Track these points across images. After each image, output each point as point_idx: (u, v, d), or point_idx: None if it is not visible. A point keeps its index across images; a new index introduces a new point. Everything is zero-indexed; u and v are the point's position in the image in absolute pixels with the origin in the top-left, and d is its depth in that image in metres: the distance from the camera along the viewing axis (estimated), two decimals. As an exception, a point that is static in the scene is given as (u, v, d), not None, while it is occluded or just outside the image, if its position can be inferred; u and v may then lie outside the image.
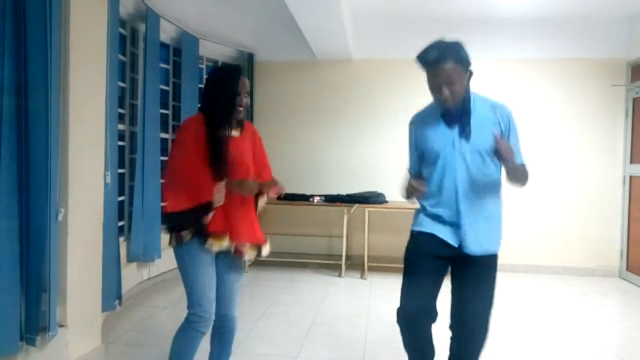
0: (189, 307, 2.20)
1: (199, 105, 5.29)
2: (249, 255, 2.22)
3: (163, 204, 2.27)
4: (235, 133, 2.28)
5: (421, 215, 2.14)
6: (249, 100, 2.31)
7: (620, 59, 5.35)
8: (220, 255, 2.22)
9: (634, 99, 5.25)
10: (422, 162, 2.17)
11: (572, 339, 3.45)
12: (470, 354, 2.16)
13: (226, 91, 2.20)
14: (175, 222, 2.16)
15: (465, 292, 2.11)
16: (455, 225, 2.04)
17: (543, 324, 3.76)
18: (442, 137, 2.04)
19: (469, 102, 2.03)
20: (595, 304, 4.37)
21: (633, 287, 4.98)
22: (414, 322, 2.16)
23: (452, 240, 2.05)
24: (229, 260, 2.26)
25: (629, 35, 5.28)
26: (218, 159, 2.14)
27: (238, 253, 2.19)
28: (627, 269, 5.27)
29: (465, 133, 2.01)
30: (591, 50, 5.38)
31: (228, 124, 2.23)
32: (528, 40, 5.40)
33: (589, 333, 3.58)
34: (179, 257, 2.20)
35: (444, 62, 1.93)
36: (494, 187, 2.12)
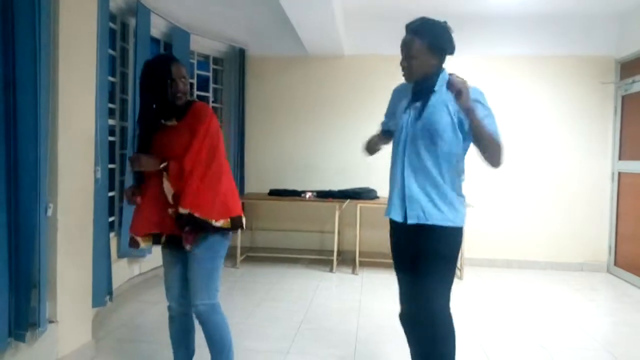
0: None
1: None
2: (142, 245, 2.27)
3: None
4: (169, 122, 2.27)
5: (390, 198, 2.22)
6: (187, 86, 2.24)
7: (610, 57, 5.39)
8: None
9: (623, 97, 5.30)
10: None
11: (561, 333, 3.49)
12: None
13: (155, 79, 2.18)
14: None
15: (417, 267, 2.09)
16: (402, 200, 2.11)
17: (532, 318, 3.80)
18: (404, 113, 2.13)
19: (434, 82, 2.05)
20: (584, 298, 4.42)
21: (621, 282, 5.04)
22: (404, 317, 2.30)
23: (399, 218, 2.11)
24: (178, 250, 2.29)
25: (619, 32, 5.33)
26: (139, 151, 2.27)
27: (133, 244, 2.27)
28: (615, 264, 5.34)
29: (417, 110, 2.07)
30: (580, 47, 5.42)
31: (158, 113, 2.26)
32: (518, 37, 5.43)
33: (577, 327, 3.62)
34: None
35: (408, 35, 2.05)
36: (447, 167, 2.07)
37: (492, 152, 1.98)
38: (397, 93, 2.29)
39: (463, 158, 2.14)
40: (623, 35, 5.27)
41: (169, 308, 2.40)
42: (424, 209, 2.05)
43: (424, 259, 2.05)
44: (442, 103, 2.02)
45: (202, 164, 2.15)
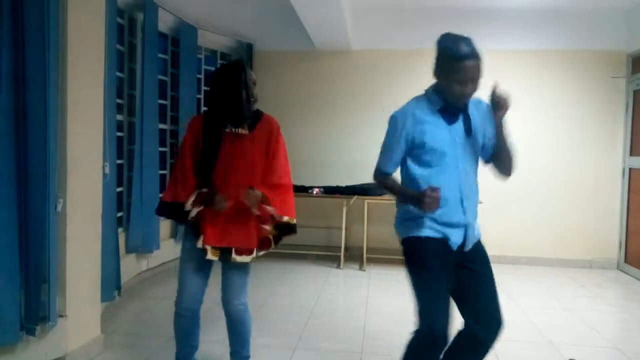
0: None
1: (198, 97, 5.27)
2: (210, 255, 2.26)
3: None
4: (241, 130, 2.24)
5: (425, 220, 1.96)
6: (256, 92, 2.29)
7: (621, 51, 5.32)
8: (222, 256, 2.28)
9: (634, 91, 5.24)
10: (406, 161, 2.06)
11: (570, 331, 3.46)
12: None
13: (229, 85, 2.17)
14: (159, 211, 2.37)
15: (479, 284, 2.03)
16: (461, 227, 1.97)
17: (541, 315, 3.78)
18: (445, 134, 1.96)
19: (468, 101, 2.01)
20: (593, 295, 4.39)
21: (631, 279, 5.00)
22: (443, 343, 1.95)
23: (459, 242, 1.98)
24: (226, 260, 2.30)
25: (630, 26, 5.26)
26: (205, 159, 2.20)
27: (203, 252, 2.25)
28: (625, 261, 5.29)
29: (467, 131, 1.98)
30: (591, 42, 5.36)
31: (231, 120, 2.21)
32: (527, 31, 5.37)
33: (587, 325, 3.59)
34: (182, 245, 2.40)
35: (476, 58, 1.87)
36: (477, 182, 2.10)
37: (510, 164, 2.03)
38: (413, 120, 1.99)
39: None
40: (635, 29, 5.20)
41: (180, 306, 2.38)
42: (477, 230, 2.04)
43: (483, 267, 2.03)
44: (477, 121, 2.01)
45: (289, 174, 2.39)
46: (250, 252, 2.28)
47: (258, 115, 2.32)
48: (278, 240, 2.42)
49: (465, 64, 1.85)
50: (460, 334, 2.05)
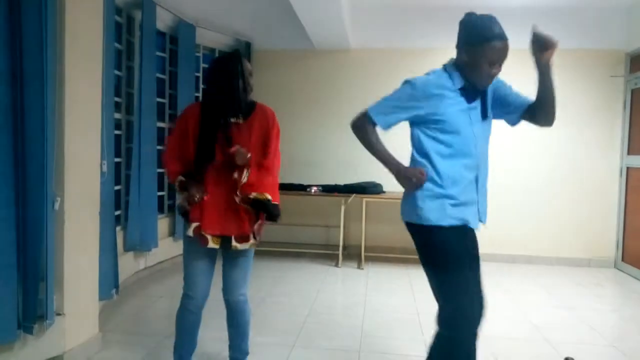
0: (183, 286, 2.38)
1: (196, 95, 5.27)
2: (211, 244, 2.24)
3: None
4: (235, 120, 2.25)
5: (445, 204, 1.88)
6: (252, 82, 2.32)
7: (620, 50, 5.33)
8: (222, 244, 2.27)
9: (632, 90, 5.24)
10: (419, 134, 1.97)
11: (567, 329, 3.47)
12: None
13: (226, 74, 2.20)
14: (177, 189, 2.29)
15: (477, 266, 1.98)
16: (474, 204, 1.95)
17: (539, 313, 3.79)
18: (465, 113, 1.92)
19: None
20: (590, 294, 4.40)
21: (628, 278, 5.01)
22: (475, 328, 1.90)
23: (476, 224, 1.96)
24: (226, 249, 2.29)
25: (628, 26, 5.26)
26: (202, 148, 2.20)
27: (202, 241, 2.23)
28: (623, 260, 5.30)
29: (478, 112, 1.97)
30: (590, 41, 5.36)
31: (228, 110, 2.22)
32: (526, 30, 5.35)
33: (584, 323, 3.60)
34: (183, 241, 2.37)
35: (506, 39, 1.89)
36: None
37: (554, 111, 2.06)
38: (433, 91, 1.92)
39: None
40: (633, 28, 5.21)
41: (192, 302, 2.35)
42: (485, 208, 2.03)
43: (477, 250, 2.00)
44: (490, 101, 2.02)
45: (278, 162, 2.36)
46: (247, 239, 2.28)
47: (252, 104, 2.34)
48: (270, 217, 2.33)
49: (497, 44, 1.86)
50: None
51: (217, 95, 2.22)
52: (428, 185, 1.90)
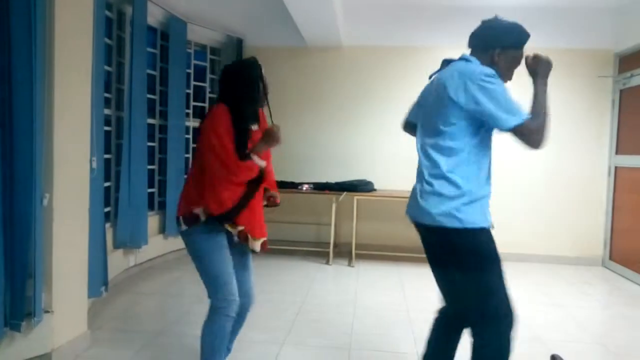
0: (214, 293, 2.19)
1: (187, 92, 5.23)
2: (255, 246, 2.26)
3: (199, 206, 2.12)
4: (254, 126, 2.28)
5: (484, 205, 1.90)
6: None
7: (608, 50, 5.38)
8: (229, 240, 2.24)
9: (621, 91, 5.30)
10: (464, 126, 1.86)
11: (555, 326, 3.51)
12: None
13: (250, 81, 2.20)
14: (222, 221, 2.14)
15: None
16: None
17: (527, 311, 3.82)
18: None
19: None
20: (579, 292, 4.45)
21: (615, 276, 5.07)
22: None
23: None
24: (237, 245, 2.28)
25: (618, 26, 5.31)
26: (241, 153, 2.11)
27: (245, 241, 2.22)
28: (610, 258, 5.37)
29: None
30: (579, 40, 5.41)
31: (251, 116, 2.24)
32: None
33: (572, 320, 3.64)
34: (193, 242, 2.19)
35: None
36: None
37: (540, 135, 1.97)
38: None
39: None
40: (622, 28, 5.26)
41: (233, 305, 2.20)
42: None
43: None
44: None
45: None
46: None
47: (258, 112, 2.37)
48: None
49: (522, 49, 1.99)
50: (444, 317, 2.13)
51: (243, 102, 2.19)
52: (470, 185, 1.85)
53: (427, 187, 1.89)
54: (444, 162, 1.86)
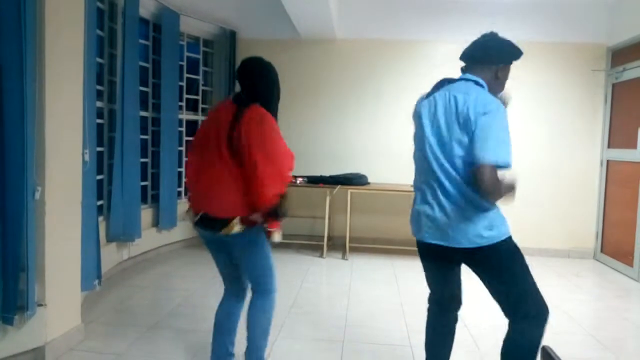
0: (271, 287, 2.40)
1: (180, 84, 5.19)
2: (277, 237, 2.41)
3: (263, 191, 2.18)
4: None
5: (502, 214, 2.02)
6: None
7: (601, 44, 5.40)
8: None
9: (613, 84, 5.32)
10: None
11: (546, 318, 3.54)
12: None
13: (277, 85, 2.48)
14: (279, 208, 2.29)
15: None
16: None
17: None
18: None
19: None
20: (570, 284, 4.49)
21: (607, 269, 5.12)
22: None
23: None
24: None
25: (610, 20, 5.33)
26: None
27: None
28: (602, 251, 5.41)
29: None
30: (572, 34, 5.42)
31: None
32: (509, 23, 5.40)
33: (563, 313, 3.68)
34: (256, 236, 2.33)
35: None
36: None
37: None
38: None
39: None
40: (615, 22, 5.28)
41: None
42: None
43: None
44: None
45: None
46: None
47: None
48: None
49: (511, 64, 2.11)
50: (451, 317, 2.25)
51: (275, 101, 2.45)
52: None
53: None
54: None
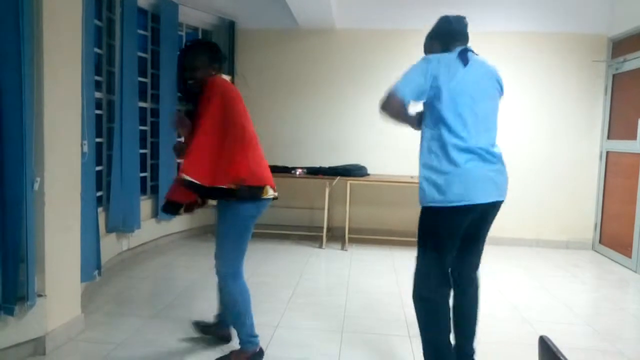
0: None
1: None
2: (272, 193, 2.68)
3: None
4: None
5: None
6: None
7: (602, 35, 5.37)
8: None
9: (614, 75, 5.30)
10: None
11: (545, 309, 3.56)
12: None
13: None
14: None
15: None
16: None
17: (518, 294, 3.87)
18: None
19: None
20: (568, 275, 4.51)
21: (605, 260, 5.14)
22: None
23: None
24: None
25: (611, 10, 5.29)
26: None
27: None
28: (600, 242, 5.43)
29: None
30: (573, 24, 5.39)
31: None
32: (510, 13, 5.38)
33: (562, 303, 3.70)
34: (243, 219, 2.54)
35: None
36: None
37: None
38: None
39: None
40: (616, 13, 5.24)
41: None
42: None
43: None
44: None
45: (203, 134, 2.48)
46: None
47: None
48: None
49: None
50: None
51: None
52: None
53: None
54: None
